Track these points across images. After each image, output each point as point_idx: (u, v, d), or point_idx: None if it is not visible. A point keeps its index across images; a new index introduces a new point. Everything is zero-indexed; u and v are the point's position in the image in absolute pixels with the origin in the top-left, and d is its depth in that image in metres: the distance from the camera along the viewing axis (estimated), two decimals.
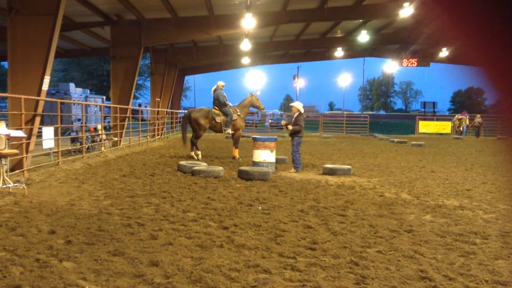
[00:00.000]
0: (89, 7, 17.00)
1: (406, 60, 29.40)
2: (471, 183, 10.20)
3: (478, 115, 31.88)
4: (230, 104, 14.18)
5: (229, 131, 13.94)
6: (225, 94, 13.99)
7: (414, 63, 29.54)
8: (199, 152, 14.03)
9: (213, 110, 13.99)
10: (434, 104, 58.34)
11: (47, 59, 10.97)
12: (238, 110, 14.24)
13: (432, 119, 38.89)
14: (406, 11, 18.52)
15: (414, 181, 10.37)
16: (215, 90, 14.07)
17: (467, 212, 7.07)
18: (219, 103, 13.93)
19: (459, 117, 32.96)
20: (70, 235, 5.18)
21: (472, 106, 79.86)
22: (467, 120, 32.38)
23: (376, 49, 34.69)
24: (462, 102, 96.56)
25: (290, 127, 11.63)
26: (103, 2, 17.20)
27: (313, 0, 19.43)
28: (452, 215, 6.75)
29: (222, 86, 14.12)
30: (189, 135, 14.42)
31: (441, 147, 22.30)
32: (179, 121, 33.05)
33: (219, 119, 13.86)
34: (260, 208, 7.95)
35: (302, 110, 11.69)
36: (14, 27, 10.93)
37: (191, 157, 13.71)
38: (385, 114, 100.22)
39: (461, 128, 32.53)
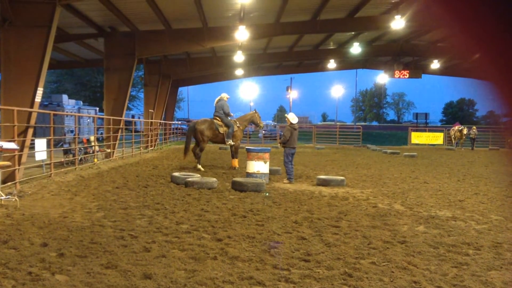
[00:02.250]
0: (83, 19, 17.06)
1: (398, 72, 29.65)
2: (463, 194, 10.27)
3: (474, 127, 31.32)
4: (232, 114, 14.74)
5: (231, 141, 14.41)
6: (228, 105, 14.53)
7: (406, 75, 29.80)
8: (199, 166, 14.21)
9: (216, 121, 14.35)
10: (426, 115, 58.72)
11: (41, 70, 10.98)
12: (238, 122, 14.79)
13: (424, 130, 39.11)
14: (398, 24, 18.73)
15: (407, 192, 10.41)
16: (218, 101, 14.53)
17: (459, 223, 7.11)
18: (223, 113, 14.37)
19: (459, 128, 31.84)
20: (62, 247, 5.14)
21: (464, 117, 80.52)
22: (465, 130, 31.70)
23: (368, 61, 35.02)
24: (454, 113, 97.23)
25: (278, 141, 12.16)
26: (97, 14, 17.27)
27: (306, 13, 19.62)
28: (445, 226, 6.79)
29: (227, 98, 14.72)
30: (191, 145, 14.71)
31: (433, 158, 22.42)
32: (173, 132, 33.05)
33: (222, 130, 14.28)
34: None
35: (293, 121, 11.78)
36: (8, 39, 10.95)
37: (197, 169, 13.77)
38: (378, 125, 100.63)
39: (462, 140, 31.63)
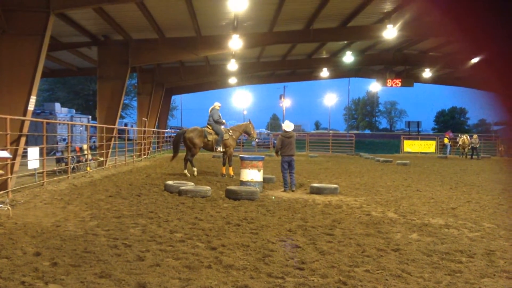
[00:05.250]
0: (76, 27, 17.05)
1: (390, 81, 29.82)
2: (456, 202, 10.33)
3: (475, 135, 30.21)
4: (224, 121, 15.08)
5: (220, 149, 14.71)
6: (220, 114, 14.97)
7: (398, 84, 29.95)
8: (195, 169, 14.76)
9: (206, 128, 14.84)
10: (418, 123, 59.12)
11: (34, 79, 10.93)
12: (230, 131, 15.12)
13: (416, 138, 39.35)
14: (390, 33, 18.89)
15: (400, 200, 10.46)
16: (211, 109, 15.02)
17: (452, 230, 7.15)
18: (213, 120, 14.79)
19: (464, 137, 30.98)
20: (55, 257, 5.11)
21: (455, 126, 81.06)
22: (461, 138, 30.99)
23: (360, 70, 35.22)
24: (445, 121, 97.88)
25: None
26: (90, 23, 17.26)
27: (299, 22, 19.75)
28: (438, 234, 6.82)
29: (218, 107, 15.15)
30: (181, 154, 15.09)
31: (426, 166, 22.55)
32: (166, 141, 32.98)
33: (211, 137, 14.70)
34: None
35: (287, 129, 11.70)
36: (1, 47, 10.90)
37: (184, 175, 14.31)
38: (370, 133, 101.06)
39: (466, 150, 30.78)
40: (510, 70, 0.77)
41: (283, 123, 12.35)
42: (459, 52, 0.85)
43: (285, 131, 11.69)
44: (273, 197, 9.37)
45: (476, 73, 0.83)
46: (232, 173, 14.69)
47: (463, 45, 0.84)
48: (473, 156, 30.00)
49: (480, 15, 0.77)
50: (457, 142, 32.31)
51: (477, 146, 30.05)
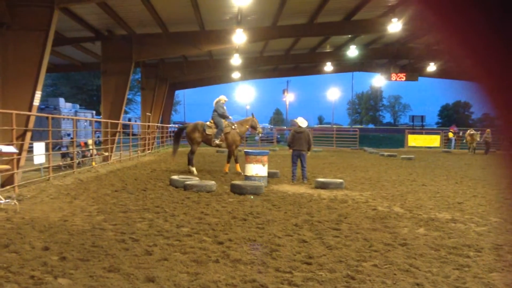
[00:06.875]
0: (80, 22, 17.04)
1: (395, 75, 29.69)
2: (462, 196, 10.31)
3: (488, 130, 28.08)
4: (230, 117, 14.63)
5: (217, 141, 14.11)
6: (225, 107, 14.49)
7: (403, 78, 29.82)
8: (193, 168, 14.10)
9: (207, 123, 14.29)
10: (422, 117, 58.99)
11: (39, 74, 10.96)
12: (235, 124, 14.51)
13: (420, 133, 39.23)
14: (395, 27, 18.80)
15: (406, 194, 10.44)
16: (216, 102, 14.52)
17: (459, 225, 7.13)
18: (217, 113, 14.27)
19: (471, 132, 30.20)
20: (64, 251, 5.13)
21: (460, 120, 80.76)
22: (478, 136, 29.68)
23: (364, 64, 35.07)
24: (449, 116, 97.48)
25: None
26: (94, 18, 17.25)
27: (303, 16, 19.67)
28: (445, 228, 6.81)
29: (224, 100, 14.64)
30: (185, 149, 14.91)
31: (430, 160, 22.49)
32: (170, 136, 33.01)
33: (210, 131, 14.14)
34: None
35: (301, 125, 12.38)
36: (6, 42, 10.93)
37: (190, 172, 13.81)
38: (374, 127, 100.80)
39: (474, 144, 29.97)
40: (496, 62, 0.76)
41: (295, 119, 12.72)
42: (451, 48, 0.84)
43: (299, 127, 12.12)
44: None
45: (467, 67, 0.82)
46: (239, 169, 13.95)
47: (453, 43, 0.83)
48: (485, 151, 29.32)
49: (471, 16, 0.77)
50: (467, 136, 31.80)
51: (490, 140, 29.29)
